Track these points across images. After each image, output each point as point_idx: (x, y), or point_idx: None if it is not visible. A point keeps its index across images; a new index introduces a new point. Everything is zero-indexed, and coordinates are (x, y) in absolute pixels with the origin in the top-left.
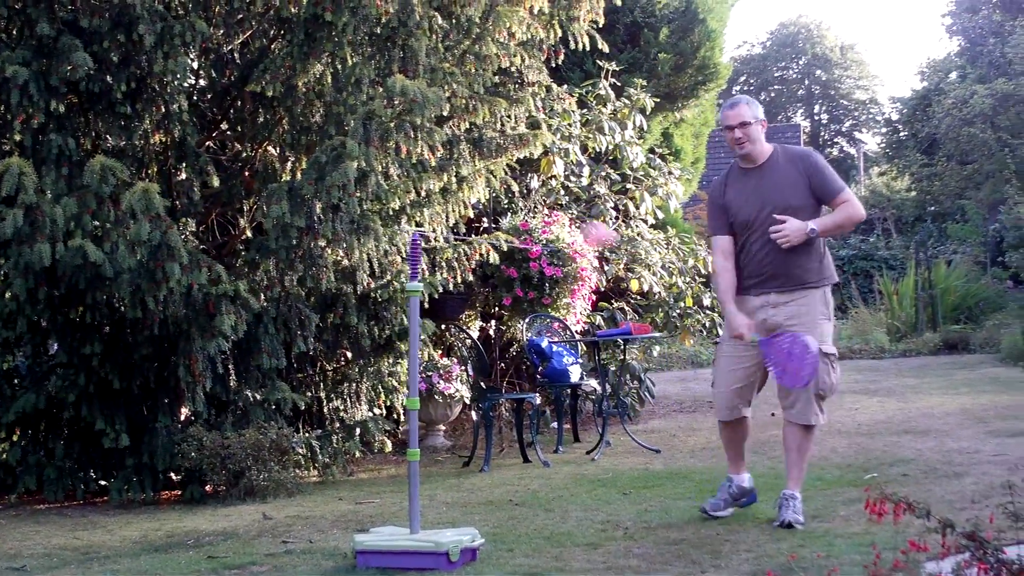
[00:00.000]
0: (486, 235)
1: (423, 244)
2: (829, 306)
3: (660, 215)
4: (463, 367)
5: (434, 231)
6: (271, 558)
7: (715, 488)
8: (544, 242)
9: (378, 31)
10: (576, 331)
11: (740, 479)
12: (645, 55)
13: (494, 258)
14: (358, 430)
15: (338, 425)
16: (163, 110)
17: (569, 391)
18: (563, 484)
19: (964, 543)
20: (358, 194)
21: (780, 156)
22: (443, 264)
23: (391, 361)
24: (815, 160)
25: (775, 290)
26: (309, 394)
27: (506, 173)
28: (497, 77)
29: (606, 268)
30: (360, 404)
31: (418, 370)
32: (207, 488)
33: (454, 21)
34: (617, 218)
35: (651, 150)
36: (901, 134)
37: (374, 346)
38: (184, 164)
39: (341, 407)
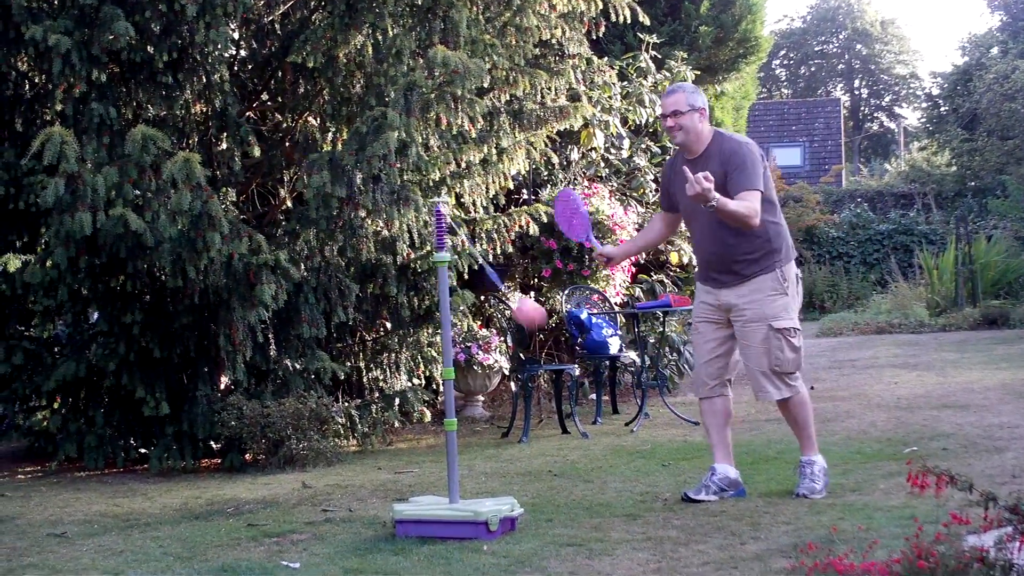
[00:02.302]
0: (526, 207)
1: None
2: (784, 282)
3: None
4: (502, 338)
5: (474, 202)
6: (311, 526)
7: (754, 460)
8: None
9: (419, 2)
10: (615, 303)
11: (725, 469)
12: (686, 28)
13: (534, 230)
14: (397, 400)
15: (377, 395)
16: (204, 80)
17: (608, 363)
18: (602, 455)
19: (1007, 516)
20: (398, 165)
21: (716, 148)
22: (483, 235)
23: (430, 331)
24: (740, 158)
25: (725, 285)
26: (348, 364)
27: (546, 145)
28: (538, 49)
29: None
30: (399, 374)
31: (451, 340)
32: (247, 457)
33: None
34: (657, 190)
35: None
36: (942, 109)
37: (413, 316)
38: (225, 134)
39: (380, 377)
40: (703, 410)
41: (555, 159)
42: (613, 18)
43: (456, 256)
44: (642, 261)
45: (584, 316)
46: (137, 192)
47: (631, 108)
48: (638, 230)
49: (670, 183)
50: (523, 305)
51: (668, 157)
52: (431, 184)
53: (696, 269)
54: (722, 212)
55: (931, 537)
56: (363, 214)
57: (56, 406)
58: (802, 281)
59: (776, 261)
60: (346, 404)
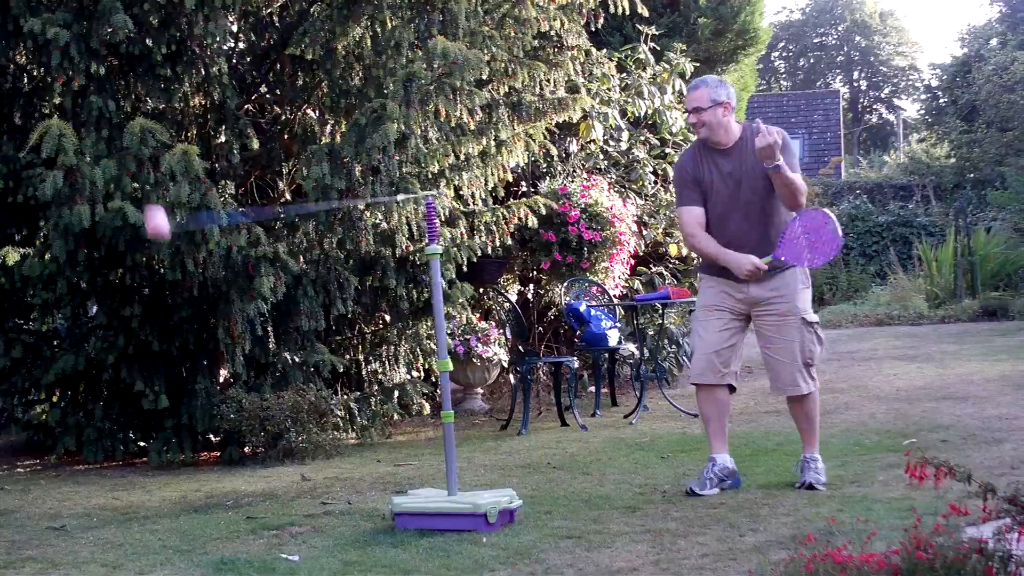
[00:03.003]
0: (525, 199)
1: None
2: (807, 274)
3: None
4: (501, 330)
5: (473, 195)
6: (310, 519)
7: (753, 451)
8: (583, 206)
9: None
10: (614, 295)
11: (724, 459)
12: (685, 19)
13: (532, 222)
14: (396, 393)
15: (376, 388)
16: (203, 73)
17: (607, 355)
18: (601, 448)
19: (1006, 507)
20: (397, 157)
21: (749, 138)
22: (482, 228)
23: (429, 324)
24: (783, 143)
25: (753, 280)
26: (348, 356)
27: (545, 137)
28: (536, 41)
29: (645, 233)
30: (398, 367)
31: (449, 333)
32: (246, 450)
33: None
34: (656, 183)
35: (692, 124)
36: (941, 100)
37: (412, 309)
38: (223, 127)
39: (379, 370)
40: (703, 399)
41: (554, 151)
42: (612, 9)
43: (455, 248)
44: (641, 253)
45: (583, 308)
46: (136, 185)
47: (630, 100)
48: (637, 222)
49: (700, 175)
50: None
51: (681, 153)
52: (430, 176)
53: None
54: (782, 177)
55: (930, 528)
56: (362, 206)
57: (55, 399)
58: None
59: None
60: (345, 397)
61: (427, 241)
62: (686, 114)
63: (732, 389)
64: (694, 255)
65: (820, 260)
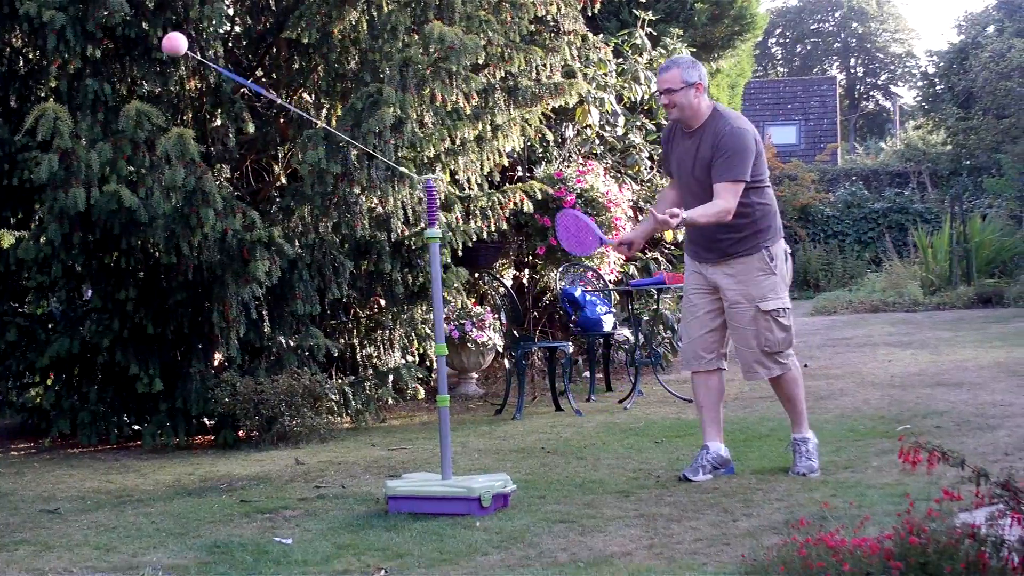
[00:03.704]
0: (520, 184)
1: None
2: (772, 261)
3: None
4: (496, 315)
5: (468, 179)
6: (304, 503)
7: (747, 437)
8: (579, 191)
9: None
10: (610, 280)
11: (717, 447)
12: (682, 5)
13: (528, 207)
14: (391, 377)
15: (371, 372)
16: (199, 56)
17: (602, 340)
18: (595, 432)
19: (998, 493)
20: (393, 141)
21: (712, 126)
22: (477, 212)
23: (424, 308)
24: (729, 146)
25: (709, 262)
26: (342, 341)
27: (541, 122)
28: (533, 26)
29: (640, 218)
30: (393, 351)
31: (444, 317)
32: (240, 433)
33: None
34: (652, 168)
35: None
36: (937, 88)
37: (407, 293)
38: (219, 110)
39: (374, 354)
40: (696, 385)
41: (550, 136)
42: None
43: (450, 233)
44: None
45: (578, 293)
46: (131, 168)
47: (626, 85)
48: (633, 207)
49: (670, 152)
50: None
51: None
52: (426, 161)
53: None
54: (692, 223)
55: (923, 513)
56: (358, 190)
57: (49, 383)
58: (792, 257)
59: (762, 241)
60: (340, 381)
61: (427, 225)
62: (658, 95)
63: (720, 369)
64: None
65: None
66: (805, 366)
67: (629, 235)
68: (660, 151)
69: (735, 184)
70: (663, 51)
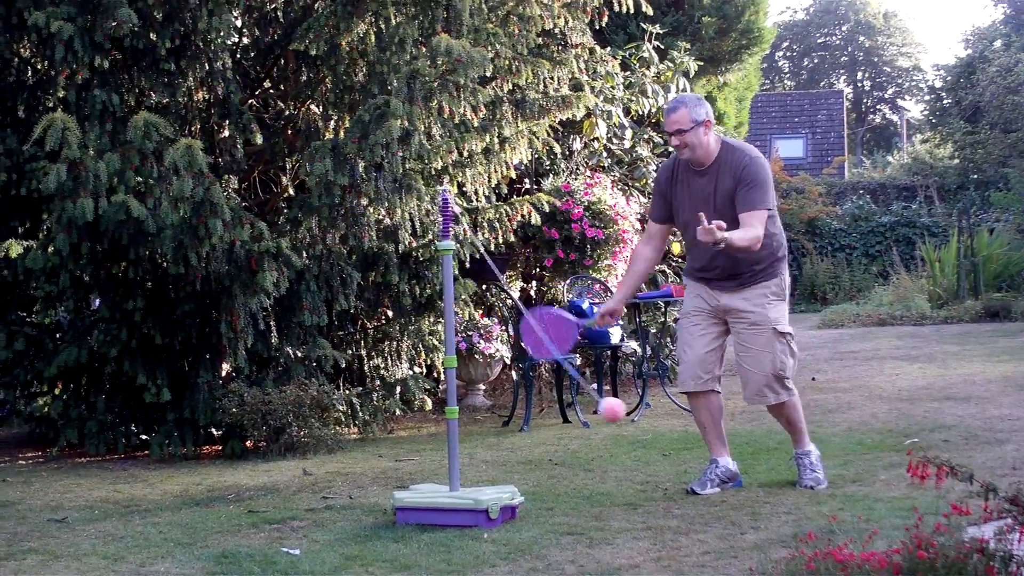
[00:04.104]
0: (528, 196)
1: (460, 204)
2: (784, 288)
3: None
4: (504, 327)
5: (476, 192)
6: (311, 513)
7: (754, 450)
8: (586, 204)
9: None
10: None
11: (726, 461)
12: (689, 18)
13: (536, 219)
14: (398, 388)
15: (378, 383)
16: (207, 67)
17: (609, 352)
18: (602, 445)
19: (1007, 508)
20: (401, 153)
21: (724, 161)
22: (485, 224)
23: (431, 320)
24: (752, 175)
25: (727, 290)
26: (350, 352)
27: (548, 135)
28: (540, 39)
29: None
30: (400, 362)
31: (455, 328)
32: (248, 444)
33: None
34: None
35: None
36: (945, 102)
37: (415, 305)
38: (227, 121)
39: (382, 365)
40: (696, 408)
41: (557, 149)
42: (616, 8)
43: (458, 245)
44: None
45: (586, 306)
46: (139, 179)
47: (634, 98)
48: (640, 220)
49: (671, 194)
50: (609, 405)
51: (663, 162)
52: (433, 173)
53: (688, 263)
54: (729, 249)
55: (931, 528)
56: (365, 202)
57: (57, 392)
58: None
59: (779, 269)
60: (347, 392)
61: (440, 236)
62: (669, 136)
63: (716, 391)
64: None
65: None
66: (813, 379)
67: (611, 305)
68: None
69: (760, 213)
70: (670, 64)
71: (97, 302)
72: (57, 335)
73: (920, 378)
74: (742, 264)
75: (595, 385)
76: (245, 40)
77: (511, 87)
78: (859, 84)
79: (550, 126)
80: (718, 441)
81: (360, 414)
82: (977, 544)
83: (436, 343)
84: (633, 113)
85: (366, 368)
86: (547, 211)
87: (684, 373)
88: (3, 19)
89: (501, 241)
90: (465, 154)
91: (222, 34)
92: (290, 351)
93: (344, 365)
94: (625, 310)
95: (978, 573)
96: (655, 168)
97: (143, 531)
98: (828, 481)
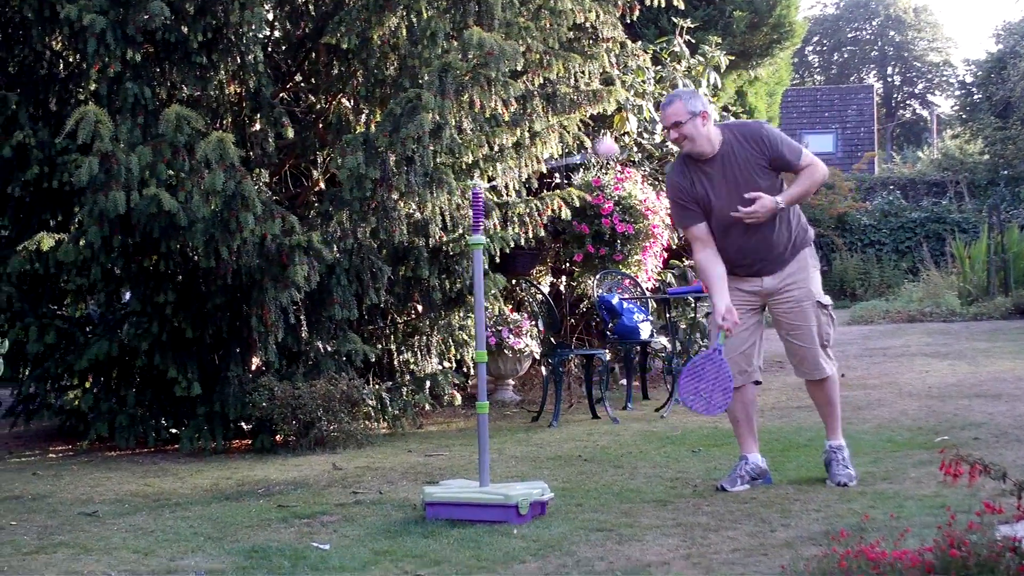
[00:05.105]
0: (558, 191)
1: (491, 199)
2: (815, 257)
3: None
4: (533, 322)
5: (506, 186)
6: (341, 508)
7: (784, 447)
8: (616, 198)
9: None
10: (647, 288)
11: (755, 458)
12: (720, 12)
13: (566, 214)
14: (428, 383)
15: (408, 378)
16: (238, 61)
17: (639, 348)
18: (632, 441)
19: None
20: (432, 147)
21: (733, 140)
22: (515, 219)
23: (462, 315)
24: (767, 133)
25: (765, 274)
26: (380, 346)
27: (579, 129)
28: (572, 32)
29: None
30: (430, 357)
31: (485, 323)
32: (277, 438)
33: None
34: None
35: (725, 108)
36: (975, 97)
37: (445, 299)
38: (258, 115)
39: (411, 360)
40: (732, 398)
41: (588, 143)
42: (647, 2)
43: (488, 239)
44: (674, 246)
45: (615, 301)
46: (171, 172)
47: (664, 93)
48: (670, 215)
49: (694, 191)
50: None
51: (669, 171)
52: (464, 167)
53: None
54: (792, 202)
55: (963, 526)
56: (396, 196)
57: (88, 385)
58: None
59: (808, 237)
60: (377, 386)
61: (470, 231)
62: (665, 131)
63: (757, 382)
64: None
65: (700, 407)
66: (843, 376)
67: (725, 305)
68: (667, 193)
69: (806, 154)
70: (701, 59)
71: (128, 295)
72: (88, 328)
73: (950, 375)
74: (778, 242)
75: (624, 381)
76: (277, 33)
77: (542, 81)
78: (889, 79)
79: (580, 120)
80: (750, 436)
81: (390, 409)
82: (1010, 543)
83: (466, 338)
84: None
85: (396, 363)
86: (577, 206)
87: None
88: (36, 12)
89: (531, 236)
90: (496, 148)
91: (254, 27)
92: (320, 345)
93: (374, 359)
94: (655, 305)
95: (1010, 572)
96: None
97: (173, 525)
98: (859, 479)
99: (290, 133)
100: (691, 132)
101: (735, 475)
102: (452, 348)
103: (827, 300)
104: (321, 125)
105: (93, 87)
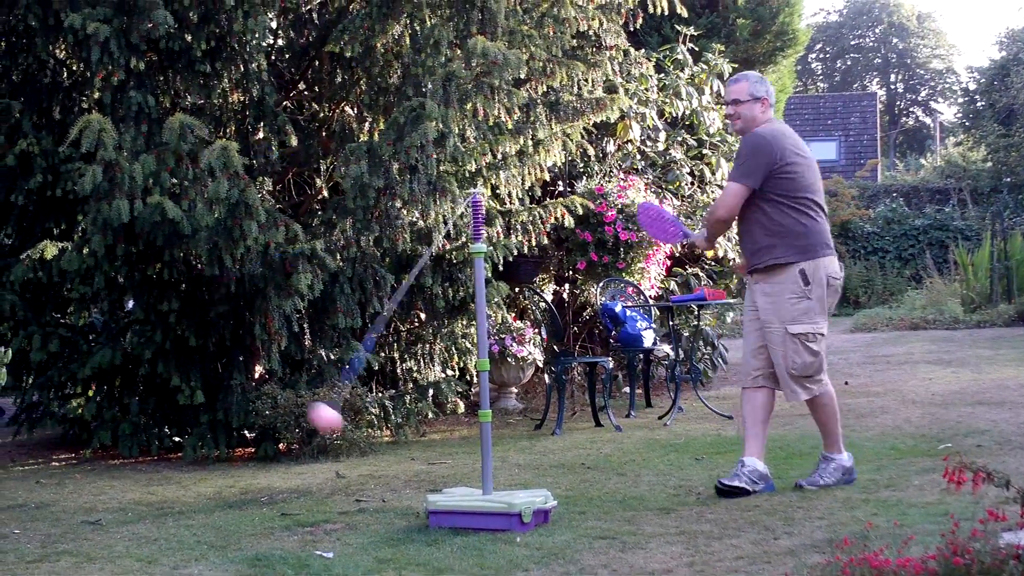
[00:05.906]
0: (561, 199)
1: (494, 207)
2: (807, 285)
3: None
4: (536, 330)
5: (510, 194)
6: (344, 516)
7: (787, 454)
8: (619, 206)
9: None
10: (650, 296)
11: (754, 463)
12: (723, 20)
13: (569, 222)
14: (431, 391)
15: (411, 386)
16: (242, 69)
17: (642, 356)
18: (635, 448)
19: None
20: (435, 155)
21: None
22: (518, 227)
23: (464, 323)
24: (741, 143)
25: (754, 281)
26: (383, 354)
27: (582, 137)
28: (575, 40)
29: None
30: (433, 365)
31: (487, 331)
32: (280, 446)
33: None
34: (693, 183)
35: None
36: (978, 104)
37: (448, 308)
38: (262, 123)
39: (414, 368)
40: (743, 399)
41: (591, 151)
42: (651, 10)
43: (491, 247)
44: (677, 254)
45: (618, 309)
46: (174, 180)
47: (668, 100)
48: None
49: None
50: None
51: (707, 148)
52: (467, 175)
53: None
54: (700, 242)
55: (967, 533)
56: (399, 204)
57: (91, 394)
58: (839, 280)
59: (791, 256)
60: (380, 395)
61: (471, 239)
62: (724, 106)
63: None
64: (730, 256)
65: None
66: (846, 383)
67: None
68: (738, 162)
69: (729, 185)
70: (704, 66)
71: (131, 303)
72: (91, 336)
73: (953, 382)
74: (744, 240)
75: (627, 389)
76: (280, 42)
77: (545, 89)
78: (892, 86)
79: (584, 128)
80: (754, 440)
81: (393, 417)
82: (1013, 550)
83: (469, 346)
84: (667, 115)
85: (399, 371)
86: (580, 214)
87: (742, 366)
88: (40, 20)
89: (534, 243)
90: (499, 156)
91: (257, 36)
92: (323, 353)
93: (377, 368)
94: (659, 313)
95: None
96: (688, 171)
97: (176, 533)
98: (861, 488)
99: (294, 141)
100: (744, 113)
101: (732, 475)
102: (455, 356)
103: (800, 330)
104: (325, 133)
105: (97, 95)
